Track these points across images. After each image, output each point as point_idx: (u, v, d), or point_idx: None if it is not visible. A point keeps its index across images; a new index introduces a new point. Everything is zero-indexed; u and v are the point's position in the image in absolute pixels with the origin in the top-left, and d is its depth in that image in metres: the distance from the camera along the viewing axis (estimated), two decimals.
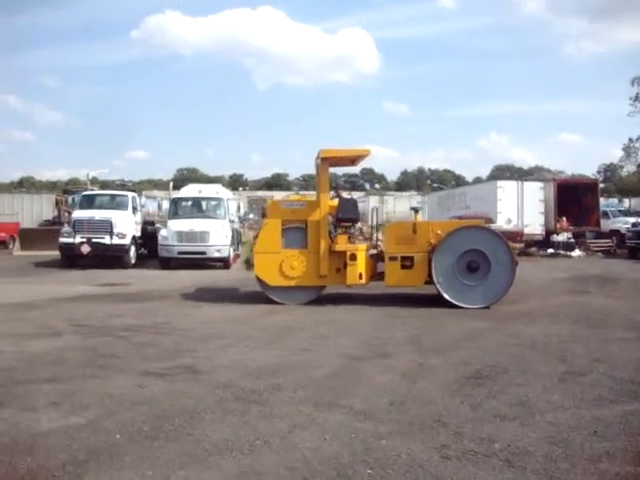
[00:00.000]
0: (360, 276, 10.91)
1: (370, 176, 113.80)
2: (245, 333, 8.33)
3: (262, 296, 11.44)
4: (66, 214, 31.42)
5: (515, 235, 23.37)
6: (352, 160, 12.49)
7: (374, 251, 11.66)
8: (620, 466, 3.92)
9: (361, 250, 11.02)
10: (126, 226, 19.23)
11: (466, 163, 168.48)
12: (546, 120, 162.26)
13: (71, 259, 19.16)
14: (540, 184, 26.90)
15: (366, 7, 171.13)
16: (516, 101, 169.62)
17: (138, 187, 55.54)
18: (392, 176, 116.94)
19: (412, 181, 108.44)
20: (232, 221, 20.12)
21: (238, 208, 22.13)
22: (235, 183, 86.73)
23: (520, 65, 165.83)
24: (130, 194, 21.15)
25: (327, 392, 5.48)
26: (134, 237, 19.66)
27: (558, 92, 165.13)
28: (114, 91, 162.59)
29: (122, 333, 8.26)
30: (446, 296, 10.64)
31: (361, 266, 10.90)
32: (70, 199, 31.60)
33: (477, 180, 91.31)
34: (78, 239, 18.68)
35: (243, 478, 3.71)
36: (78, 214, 19.75)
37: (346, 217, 11.44)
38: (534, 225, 25.89)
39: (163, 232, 19.05)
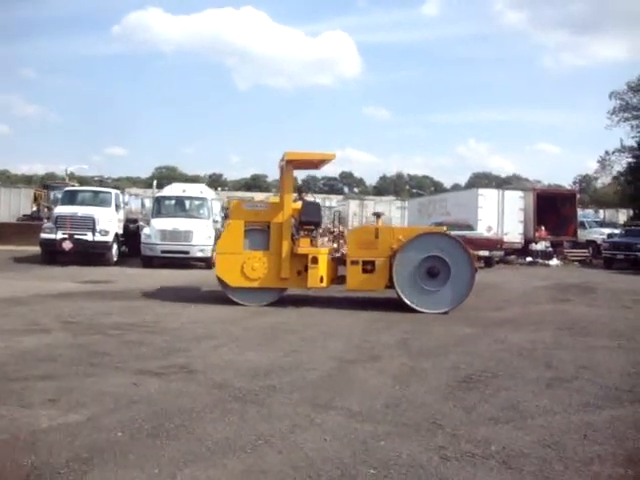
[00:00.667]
0: (321, 279, 11.00)
1: (349, 180, 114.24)
2: (234, 334, 8.38)
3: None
4: (45, 209, 31.16)
5: (495, 243, 23.73)
6: (316, 164, 12.58)
7: (335, 254, 11.78)
8: (612, 468, 4.07)
9: (323, 253, 11.12)
10: (109, 223, 19.12)
11: (445, 170, 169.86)
12: (524, 129, 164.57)
13: (52, 255, 18.98)
14: (520, 193, 27.33)
15: (349, 11, 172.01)
16: (495, 109, 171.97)
17: (117, 184, 55.13)
18: (371, 180, 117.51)
19: (390, 186, 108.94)
20: (216, 221, 20.13)
21: (222, 208, 22.16)
22: (214, 183, 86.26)
23: (500, 74, 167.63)
24: (113, 191, 21.05)
25: (323, 394, 5.55)
26: (117, 234, 19.56)
27: (537, 102, 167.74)
28: (93, 86, 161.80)
29: (112, 331, 8.25)
30: (406, 300, 10.83)
31: (322, 269, 11.00)
32: (52, 194, 31.30)
33: (455, 187, 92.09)
34: (60, 235, 18.52)
35: (249, 476, 3.77)
36: (60, 210, 19.57)
37: (309, 220, 11.48)
38: (513, 233, 26.30)
39: (146, 230, 18.99)
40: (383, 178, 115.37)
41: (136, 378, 5.86)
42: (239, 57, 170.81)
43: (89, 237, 18.56)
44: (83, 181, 52.19)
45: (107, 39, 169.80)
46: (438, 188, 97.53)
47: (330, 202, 49.97)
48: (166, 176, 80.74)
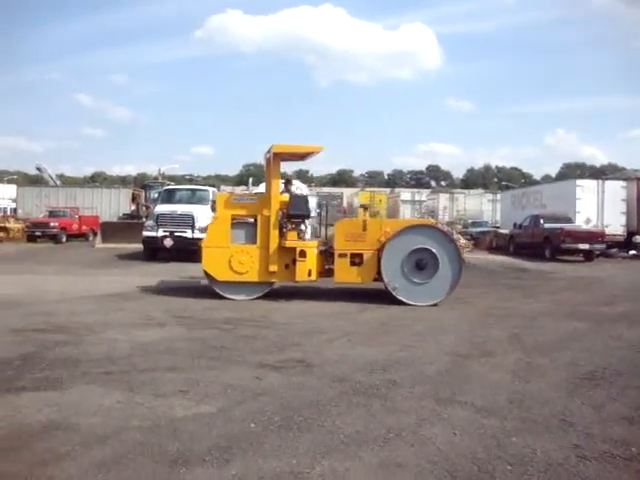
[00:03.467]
0: (309, 273, 11.01)
1: (436, 173, 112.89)
2: (344, 329, 8.43)
3: (348, 292, 11.56)
4: (144, 208, 32.39)
5: (596, 236, 22.82)
6: (303, 156, 12.42)
7: (323, 247, 11.68)
8: None
9: (311, 247, 11.11)
10: (207, 221, 19.55)
11: (532, 161, 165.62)
12: (617, 116, 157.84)
13: (153, 252, 19.70)
14: (622, 183, 26.22)
15: (427, 2, 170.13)
16: (585, 96, 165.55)
17: (206, 182, 56.60)
18: (458, 173, 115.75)
19: (478, 179, 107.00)
20: (311, 217, 20.29)
21: (318, 205, 22.34)
22: (301, 179, 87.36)
23: (588, 58, 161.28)
24: (210, 189, 21.65)
25: (444, 388, 5.52)
26: None
27: (630, 86, 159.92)
28: (178, 88, 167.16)
29: (224, 326, 8.49)
30: (394, 293, 10.73)
31: (311, 263, 11.00)
32: (150, 194, 32.45)
33: (546, 178, 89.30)
34: (161, 233, 19.19)
35: (386, 470, 3.80)
36: (161, 208, 20.26)
37: (296, 213, 11.43)
38: (615, 225, 25.29)
39: None
40: (470, 171, 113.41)
41: (257, 372, 5.99)
42: (319, 54, 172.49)
43: (188, 234, 19.13)
44: (174, 180, 53.92)
45: (190, 43, 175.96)
46: (528, 180, 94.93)
47: (420, 196, 49.55)
48: (254, 173, 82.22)
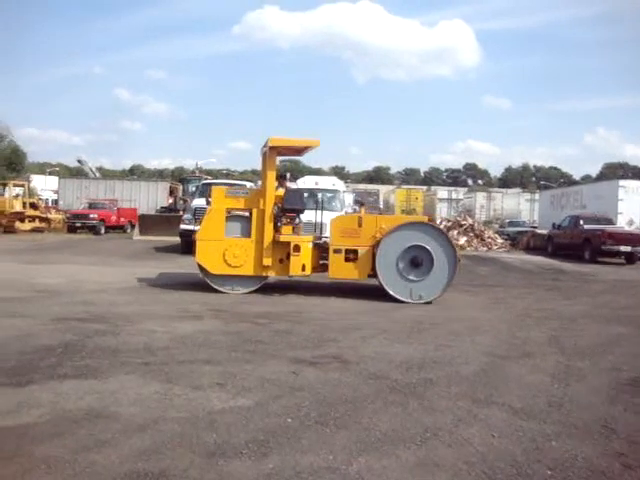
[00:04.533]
0: (303, 267, 10.98)
1: (473, 172, 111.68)
2: (379, 326, 8.40)
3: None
4: (181, 202, 32.71)
5: (639, 238, 22.31)
6: (300, 150, 12.32)
7: (318, 242, 11.60)
8: None
9: (305, 241, 11.06)
10: None
11: (571, 160, 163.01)
12: None
13: (190, 245, 19.82)
14: None
15: None
16: (627, 94, 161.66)
17: (242, 177, 56.86)
18: (495, 172, 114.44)
19: (516, 178, 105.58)
20: (347, 213, 20.24)
21: (355, 202, 22.32)
22: (337, 175, 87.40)
23: (629, 56, 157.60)
24: (248, 184, 21.77)
25: (481, 389, 5.46)
26: None
27: None
28: (216, 83, 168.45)
29: (259, 320, 8.52)
30: (389, 290, 10.66)
31: (305, 257, 10.97)
32: (191, 187, 32.70)
33: (586, 178, 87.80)
34: (198, 226, 19.31)
35: (423, 469, 3.77)
36: (198, 202, 20.38)
37: (291, 207, 11.38)
38: None
39: None
40: (508, 170, 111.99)
41: (294, 367, 6.00)
42: (356, 51, 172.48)
43: None
44: (211, 174, 54.34)
45: (228, 39, 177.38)
46: (567, 180, 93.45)
47: (457, 194, 49.12)
48: (290, 169, 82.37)
